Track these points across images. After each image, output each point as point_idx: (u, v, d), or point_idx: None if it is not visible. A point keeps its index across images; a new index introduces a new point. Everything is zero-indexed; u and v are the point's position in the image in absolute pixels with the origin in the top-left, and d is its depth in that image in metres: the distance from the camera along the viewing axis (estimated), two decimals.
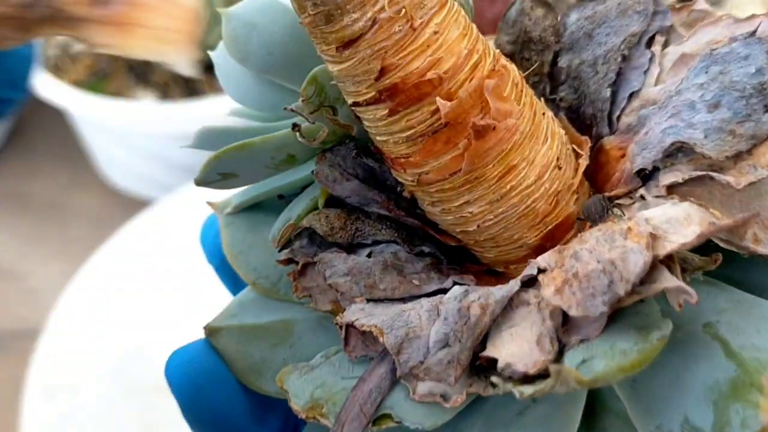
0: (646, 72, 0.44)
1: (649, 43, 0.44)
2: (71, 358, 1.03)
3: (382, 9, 0.36)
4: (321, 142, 0.43)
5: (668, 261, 0.34)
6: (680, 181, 0.38)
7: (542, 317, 0.35)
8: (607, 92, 0.44)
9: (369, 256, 0.43)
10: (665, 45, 0.44)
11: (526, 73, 0.43)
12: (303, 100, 0.41)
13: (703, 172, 0.38)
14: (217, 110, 1.24)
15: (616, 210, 0.39)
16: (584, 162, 0.43)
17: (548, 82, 0.47)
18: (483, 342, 0.37)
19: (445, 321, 0.38)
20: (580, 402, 0.37)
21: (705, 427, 0.33)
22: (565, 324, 0.35)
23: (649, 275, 0.33)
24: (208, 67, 0.57)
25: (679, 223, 0.35)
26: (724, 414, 0.33)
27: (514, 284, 0.38)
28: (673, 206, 0.37)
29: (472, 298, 0.38)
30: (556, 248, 0.40)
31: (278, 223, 0.45)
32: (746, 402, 0.32)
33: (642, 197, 0.40)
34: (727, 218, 0.35)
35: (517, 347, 0.35)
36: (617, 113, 0.44)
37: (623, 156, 0.43)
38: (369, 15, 0.36)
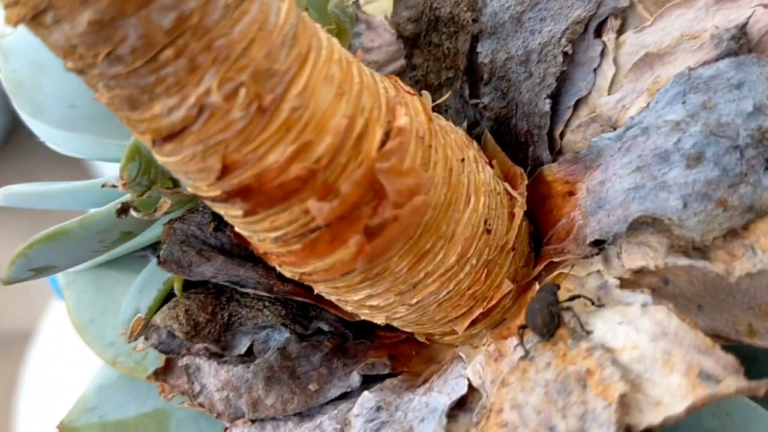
0: (596, 70, 0.32)
1: (599, 31, 0.32)
2: (66, 359, 0.94)
3: (209, 91, 0.23)
4: (164, 213, 0.31)
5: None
6: (652, 268, 0.28)
7: None
8: (546, 105, 0.33)
9: (249, 354, 0.33)
10: (621, 30, 0.32)
11: (437, 82, 0.31)
12: (124, 184, 0.29)
13: (684, 261, 0.27)
14: None
15: (567, 316, 0.29)
16: (521, 210, 0.32)
17: (465, 79, 0.35)
18: None
19: None
20: None
21: None
22: None
23: None
24: None
25: (656, 367, 0.25)
26: None
27: (440, 420, 0.29)
28: (643, 318, 0.27)
29: None
30: (491, 351, 0.30)
31: (127, 305, 0.34)
32: None
33: (599, 272, 0.30)
34: (722, 361, 0.25)
35: None
36: (560, 129, 0.33)
37: (571, 193, 0.32)
38: (192, 101, 0.23)
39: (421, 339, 0.35)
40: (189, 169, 0.26)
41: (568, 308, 0.28)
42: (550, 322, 0.28)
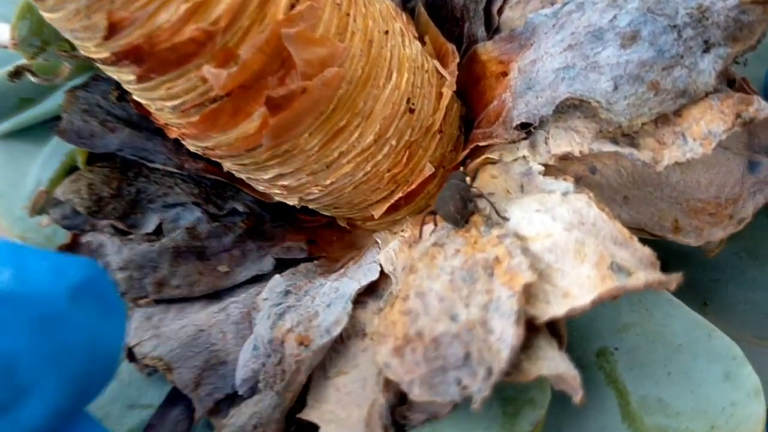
0: None
1: None
2: None
3: None
4: (65, 79, 0.29)
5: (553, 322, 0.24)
6: (577, 155, 0.26)
7: (376, 379, 0.26)
8: None
9: (158, 233, 0.31)
10: None
11: None
12: (14, 44, 0.26)
13: (610, 148, 0.26)
14: None
15: (482, 203, 0.27)
16: (449, 90, 0.30)
17: None
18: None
19: (255, 351, 0.28)
20: None
21: None
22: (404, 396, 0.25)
23: (523, 343, 0.23)
24: None
25: (567, 257, 0.24)
26: None
27: (345, 305, 0.28)
28: (561, 206, 0.25)
29: (289, 324, 0.28)
30: (407, 237, 0.29)
31: (30, 178, 0.32)
32: None
33: (525, 158, 0.28)
34: (637, 250, 0.24)
35: (343, 429, 0.26)
36: (498, 4, 0.31)
37: (504, 74, 0.30)
38: None
39: (343, 224, 0.33)
40: (74, 26, 0.23)
41: (481, 195, 0.27)
42: (463, 208, 0.27)
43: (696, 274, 0.30)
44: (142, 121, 0.30)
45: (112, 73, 0.25)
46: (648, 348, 0.27)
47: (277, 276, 0.30)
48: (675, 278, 0.22)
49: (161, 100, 0.25)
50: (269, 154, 0.27)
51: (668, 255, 0.25)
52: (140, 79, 0.25)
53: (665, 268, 0.28)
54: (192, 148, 0.28)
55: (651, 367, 0.26)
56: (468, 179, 0.28)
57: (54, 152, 0.32)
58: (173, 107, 0.25)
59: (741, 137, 0.27)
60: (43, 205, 0.31)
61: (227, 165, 0.28)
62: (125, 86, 0.26)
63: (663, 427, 0.25)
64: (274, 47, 0.24)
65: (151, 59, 0.24)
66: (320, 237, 0.33)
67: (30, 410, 0.21)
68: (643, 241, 0.24)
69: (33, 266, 0.21)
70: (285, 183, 0.28)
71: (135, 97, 0.27)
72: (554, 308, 0.23)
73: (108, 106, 0.30)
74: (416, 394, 0.24)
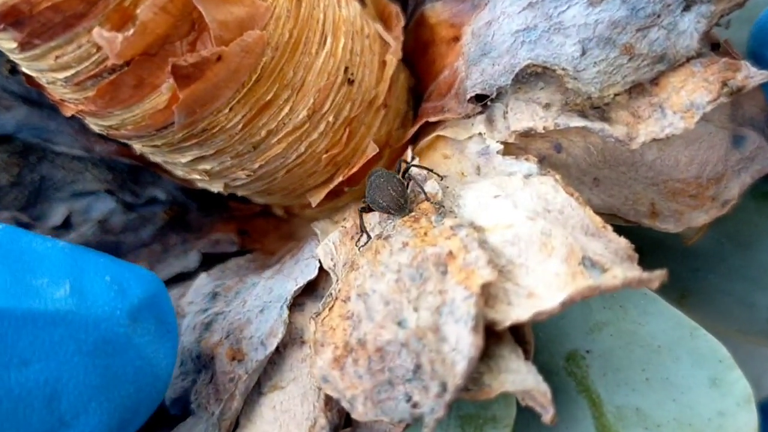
0: None
1: None
2: None
3: None
4: None
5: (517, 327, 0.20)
6: (540, 131, 0.23)
7: (317, 395, 0.22)
8: None
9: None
10: None
11: None
12: None
13: (579, 122, 0.22)
14: None
15: (428, 186, 0.23)
16: (394, 57, 0.26)
17: None
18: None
19: (183, 367, 0.24)
20: None
21: None
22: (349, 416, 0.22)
23: (483, 353, 0.19)
24: None
25: (532, 250, 0.20)
26: None
27: (281, 312, 0.24)
28: (524, 191, 0.22)
29: (218, 336, 0.24)
30: (348, 228, 0.25)
31: None
32: None
33: (481, 135, 0.24)
34: (608, 238, 0.20)
35: None
36: None
37: (456, 39, 0.26)
38: None
39: (279, 212, 0.30)
40: None
41: (426, 175, 0.23)
42: (403, 191, 0.23)
43: (673, 263, 0.27)
44: (43, 98, 0.26)
45: None
46: (623, 350, 0.23)
47: (203, 275, 0.27)
48: (658, 276, 0.19)
49: (51, 72, 0.21)
50: (184, 133, 0.23)
51: (642, 243, 0.22)
52: (23, 46, 0.21)
53: (640, 258, 0.24)
54: (96, 129, 0.24)
55: (627, 373, 0.23)
56: (406, 159, 0.25)
57: None
58: (65, 79, 0.21)
59: (724, 108, 0.24)
60: None
61: (138, 147, 0.24)
62: (10, 56, 0.22)
63: None
64: (181, 6, 0.20)
65: (32, 22, 0.20)
66: (254, 227, 0.30)
67: None
68: (618, 229, 0.21)
69: (93, 280, 0.19)
70: (206, 167, 0.25)
71: (24, 69, 0.23)
72: (518, 311, 0.19)
73: (1, 82, 0.26)
74: (360, 412, 0.20)
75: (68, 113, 0.23)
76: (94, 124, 0.23)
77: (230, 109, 0.23)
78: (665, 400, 0.22)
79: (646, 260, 0.25)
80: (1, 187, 0.26)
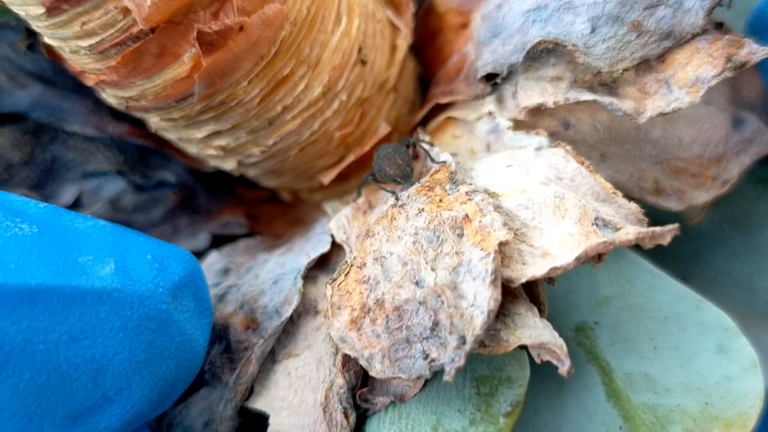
0: None
1: None
2: None
3: None
4: None
5: (531, 284, 0.21)
6: (549, 105, 0.24)
7: (333, 359, 0.22)
8: None
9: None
10: None
11: None
12: None
13: (588, 96, 0.23)
14: None
15: (437, 152, 0.24)
16: (405, 42, 0.27)
17: None
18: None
19: None
20: None
21: None
22: (366, 373, 0.22)
23: (498, 311, 0.20)
24: None
25: (546, 213, 0.21)
26: None
27: (295, 281, 0.24)
28: (536, 161, 0.22)
29: (232, 306, 0.24)
30: (360, 203, 0.25)
31: None
32: None
33: (491, 114, 0.25)
34: (618, 205, 0.21)
35: (296, 416, 0.22)
36: None
37: (464, 26, 0.27)
38: None
39: (287, 197, 0.30)
40: None
41: (421, 141, 0.24)
42: (409, 161, 0.24)
43: (676, 245, 0.28)
44: (57, 77, 0.27)
45: (18, 7, 0.22)
46: (631, 321, 0.24)
47: (213, 252, 0.27)
48: (670, 230, 0.19)
49: (76, 39, 0.22)
50: (203, 105, 0.23)
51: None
52: (50, 11, 0.21)
53: None
54: (114, 102, 0.24)
55: (635, 342, 0.23)
56: (419, 132, 0.25)
57: None
58: (90, 47, 0.22)
59: (724, 91, 0.25)
60: None
61: (155, 122, 0.25)
62: (34, 25, 0.22)
63: (652, 405, 0.22)
64: None
65: None
66: (261, 212, 0.30)
67: (109, 419, 0.19)
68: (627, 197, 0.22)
69: (135, 258, 0.20)
70: (221, 143, 0.25)
71: (47, 40, 0.23)
72: (533, 269, 0.20)
73: (17, 59, 0.26)
74: (377, 370, 0.20)
75: (89, 83, 0.23)
76: (114, 97, 0.24)
77: (249, 82, 0.23)
78: (673, 367, 0.23)
79: None
80: (13, 165, 0.27)
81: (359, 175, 0.28)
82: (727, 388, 0.22)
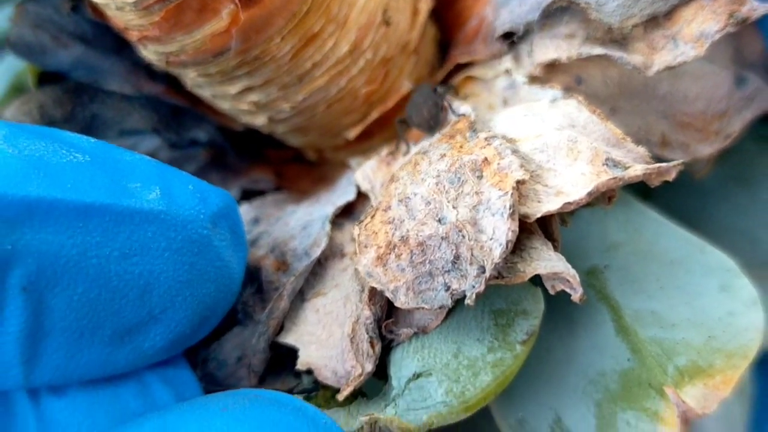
0: None
1: None
2: None
3: None
4: None
5: (545, 220, 0.22)
6: (563, 60, 0.25)
7: (359, 296, 0.24)
8: None
9: None
10: None
11: None
12: None
13: (600, 50, 0.25)
14: None
15: (458, 105, 0.26)
16: (426, 5, 0.29)
17: None
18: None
19: None
20: None
21: None
22: (391, 308, 0.24)
23: (514, 244, 0.21)
24: None
25: (560, 156, 0.22)
26: (609, 423, 0.23)
27: (323, 225, 0.26)
28: (551, 110, 0.24)
29: (263, 250, 0.26)
30: (384, 156, 0.27)
31: None
32: (641, 410, 0.23)
33: (508, 72, 0.27)
34: (631, 149, 0.23)
35: (324, 348, 0.24)
36: None
37: None
38: None
39: (312, 156, 0.32)
40: None
41: (449, 92, 0.26)
42: (435, 114, 0.25)
43: (681, 200, 0.29)
44: (98, 39, 0.28)
45: None
46: (639, 265, 0.25)
47: (244, 204, 0.28)
48: (675, 166, 0.21)
49: None
50: (238, 60, 0.25)
51: None
52: None
53: (648, 193, 0.27)
54: (154, 59, 0.26)
55: (643, 283, 0.25)
56: (440, 88, 0.27)
57: (2, 73, 0.30)
58: (134, 3, 0.23)
59: (727, 51, 0.27)
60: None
61: (191, 78, 0.26)
62: None
63: (659, 339, 0.24)
64: None
65: None
66: (288, 171, 0.32)
67: (154, 338, 0.20)
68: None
69: (178, 188, 0.21)
70: (254, 98, 0.27)
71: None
72: (547, 205, 0.21)
73: (61, 21, 0.28)
74: (402, 302, 0.22)
75: (133, 39, 0.25)
76: (154, 52, 0.25)
77: (282, 39, 0.25)
78: (679, 305, 0.24)
79: (656, 198, 0.28)
80: (55, 122, 0.28)
81: (381, 134, 0.29)
82: (729, 323, 0.23)
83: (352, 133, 0.28)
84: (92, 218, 0.19)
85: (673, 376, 0.23)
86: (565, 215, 0.23)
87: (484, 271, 0.21)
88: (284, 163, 0.32)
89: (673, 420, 0.22)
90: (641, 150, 0.23)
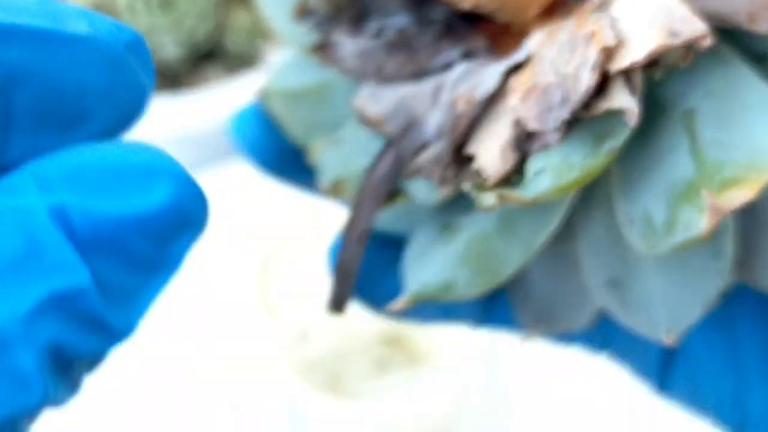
0: None
1: None
2: None
3: None
4: None
5: (628, 72, 0.33)
6: None
7: (511, 123, 0.37)
8: None
9: (378, 36, 0.44)
10: None
11: None
12: None
13: None
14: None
15: None
16: None
17: None
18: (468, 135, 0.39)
19: (440, 108, 0.40)
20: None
21: (658, 223, 0.35)
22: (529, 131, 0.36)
23: (602, 90, 0.33)
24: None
25: (643, 27, 0.33)
26: (674, 214, 0.34)
27: (498, 76, 0.39)
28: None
29: (462, 90, 0.39)
30: (548, 29, 0.39)
31: None
32: (693, 205, 0.33)
33: None
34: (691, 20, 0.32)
35: (489, 152, 0.37)
36: None
37: None
38: None
39: (515, 29, 0.44)
40: None
41: None
42: None
43: None
44: None
45: None
46: (726, 108, 0.34)
47: (461, 63, 0.42)
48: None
49: None
50: None
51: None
52: None
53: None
54: None
55: (723, 121, 0.33)
56: None
57: None
58: None
59: None
60: (302, 13, 0.44)
61: None
62: None
63: (720, 159, 0.33)
64: None
65: None
66: (498, 41, 0.44)
67: (90, 129, 0.26)
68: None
69: (100, 21, 0.26)
70: None
71: None
72: (623, 61, 0.32)
73: None
74: (532, 126, 0.35)
75: None
76: None
77: None
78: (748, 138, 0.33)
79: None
80: (341, 7, 0.43)
81: (561, 13, 0.40)
82: None
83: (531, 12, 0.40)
84: (44, 40, 0.24)
85: (717, 184, 0.33)
86: (651, 70, 0.33)
87: (574, 106, 0.33)
88: (496, 34, 0.44)
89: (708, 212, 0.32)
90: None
